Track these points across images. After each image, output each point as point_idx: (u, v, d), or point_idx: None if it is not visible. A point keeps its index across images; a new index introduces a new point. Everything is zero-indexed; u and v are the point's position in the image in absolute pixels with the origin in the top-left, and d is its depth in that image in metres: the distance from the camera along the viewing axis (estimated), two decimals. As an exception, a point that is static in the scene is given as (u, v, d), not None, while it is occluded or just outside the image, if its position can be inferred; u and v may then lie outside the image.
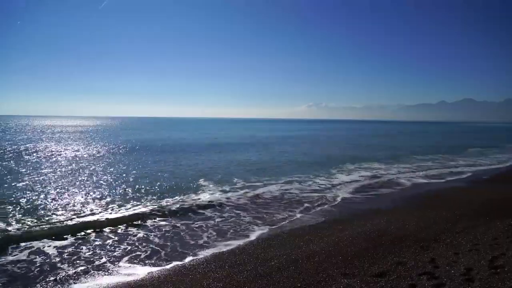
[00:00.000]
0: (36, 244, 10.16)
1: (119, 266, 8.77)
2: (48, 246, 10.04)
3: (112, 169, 24.47)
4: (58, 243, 10.33)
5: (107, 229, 11.66)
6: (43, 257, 9.29)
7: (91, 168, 24.86)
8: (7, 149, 36.40)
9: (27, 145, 41.78)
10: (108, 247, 10.08)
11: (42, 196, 16.00)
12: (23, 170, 23.17)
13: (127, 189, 17.96)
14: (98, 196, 16.32)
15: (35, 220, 12.34)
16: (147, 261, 9.10)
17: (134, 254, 9.58)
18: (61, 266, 8.74)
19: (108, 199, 15.89)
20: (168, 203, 15.15)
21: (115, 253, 9.61)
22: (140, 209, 14.22)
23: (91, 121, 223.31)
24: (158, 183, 19.72)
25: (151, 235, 11.16)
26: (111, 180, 20.53)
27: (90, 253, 9.63)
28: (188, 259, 9.25)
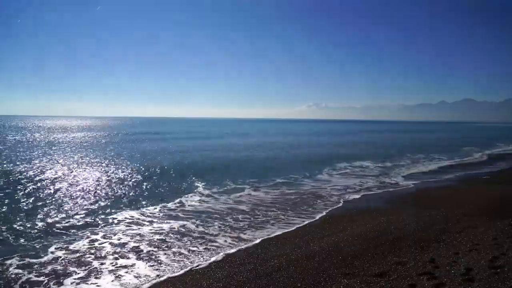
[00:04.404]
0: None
1: (119, 267, 8.78)
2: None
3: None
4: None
5: (105, 237, 11.67)
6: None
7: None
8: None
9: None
10: (107, 248, 10.09)
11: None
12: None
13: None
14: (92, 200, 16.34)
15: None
16: (147, 262, 9.10)
17: (134, 254, 9.60)
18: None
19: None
20: (166, 205, 15.18)
21: (115, 253, 9.61)
22: (148, 208, 14.29)
23: (93, 121, 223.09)
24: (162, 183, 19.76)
25: (151, 235, 11.17)
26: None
27: (89, 254, 9.64)
28: (188, 259, 9.24)
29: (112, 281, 8.02)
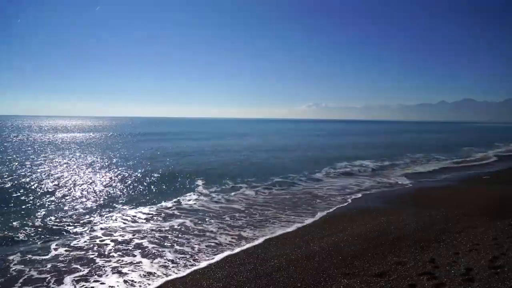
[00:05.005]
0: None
1: (120, 263, 8.78)
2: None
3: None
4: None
5: (105, 234, 11.68)
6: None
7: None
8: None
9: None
10: (108, 246, 10.10)
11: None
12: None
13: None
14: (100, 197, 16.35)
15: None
16: (149, 259, 9.10)
17: (135, 251, 9.60)
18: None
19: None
20: (164, 204, 15.20)
21: (117, 259, 9.61)
22: (145, 208, 14.31)
23: (101, 121, 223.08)
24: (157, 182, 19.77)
25: (151, 232, 11.18)
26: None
27: (88, 255, 9.65)
28: (191, 257, 9.24)
29: (117, 279, 8.06)
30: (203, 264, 8.80)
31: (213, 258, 9.19)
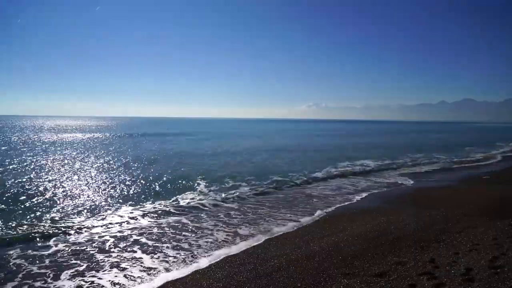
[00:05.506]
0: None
1: (118, 262, 8.79)
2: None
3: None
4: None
5: (105, 231, 11.68)
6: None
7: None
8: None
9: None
10: (108, 245, 10.11)
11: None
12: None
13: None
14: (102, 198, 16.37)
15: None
16: (147, 258, 9.11)
17: (133, 250, 9.60)
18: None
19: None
20: (164, 203, 15.21)
21: (116, 255, 9.61)
22: (144, 207, 14.32)
23: (105, 122, 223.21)
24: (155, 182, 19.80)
25: (148, 235, 11.17)
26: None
27: (85, 254, 9.65)
28: (188, 259, 9.25)
29: (116, 273, 8.12)
30: (203, 264, 8.80)
31: (211, 255, 9.26)
